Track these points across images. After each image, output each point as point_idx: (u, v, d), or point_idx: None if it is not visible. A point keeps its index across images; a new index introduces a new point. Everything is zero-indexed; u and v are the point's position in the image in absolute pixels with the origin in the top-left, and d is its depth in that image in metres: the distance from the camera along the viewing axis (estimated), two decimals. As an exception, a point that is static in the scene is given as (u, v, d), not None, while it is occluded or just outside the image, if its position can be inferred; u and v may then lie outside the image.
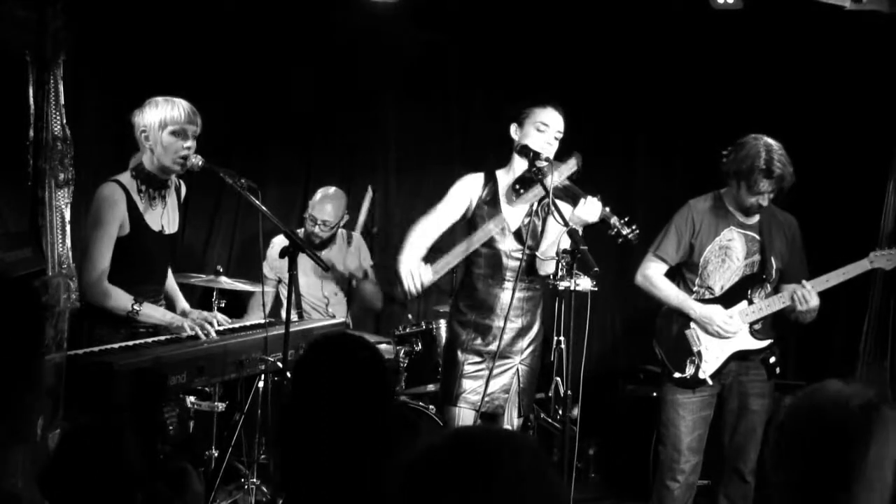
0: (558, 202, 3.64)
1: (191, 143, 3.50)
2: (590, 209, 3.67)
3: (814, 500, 1.76)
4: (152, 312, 3.49)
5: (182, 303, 3.86)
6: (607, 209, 3.69)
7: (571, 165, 3.80)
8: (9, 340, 1.48)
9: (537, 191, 3.76)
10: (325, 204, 5.05)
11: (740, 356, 4.11)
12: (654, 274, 4.14)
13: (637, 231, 3.68)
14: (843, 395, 1.84)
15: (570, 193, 3.72)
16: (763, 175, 3.91)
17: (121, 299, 3.44)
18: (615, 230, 3.64)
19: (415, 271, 3.74)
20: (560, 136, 3.85)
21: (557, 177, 3.71)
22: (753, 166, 3.91)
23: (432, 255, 3.90)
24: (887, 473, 1.80)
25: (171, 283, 3.89)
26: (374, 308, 5.53)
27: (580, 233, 3.57)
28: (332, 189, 5.13)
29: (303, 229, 5.26)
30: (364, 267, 5.24)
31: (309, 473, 2.05)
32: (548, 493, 1.33)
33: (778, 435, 1.84)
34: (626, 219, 3.70)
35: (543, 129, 3.82)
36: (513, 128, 3.88)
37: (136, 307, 3.43)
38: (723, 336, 4.06)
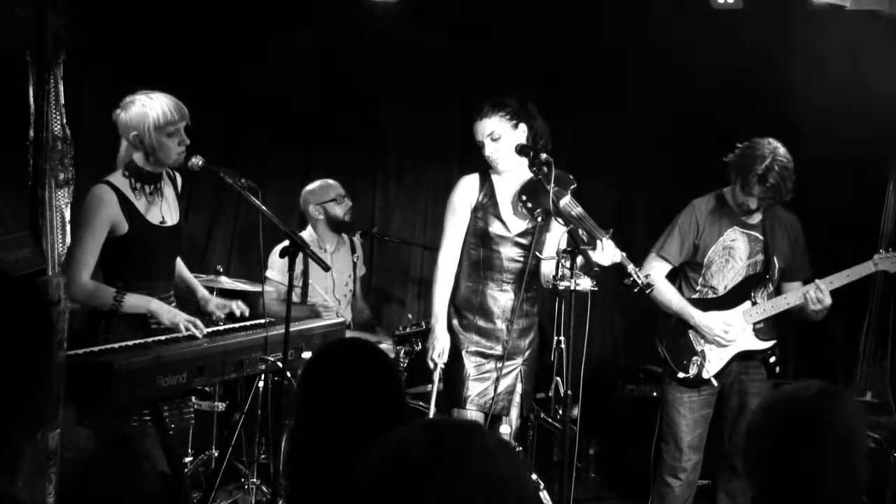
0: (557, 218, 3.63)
1: (184, 135, 3.52)
2: (606, 254, 3.60)
3: (785, 497, 1.74)
4: (136, 301, 3.46)
5: (201, 290, 3.91)
6: (623, 254, 3.63)
7: (570, 182, 3.78)
8: (19, 338, 1.47)
9: (546, 206, 3.70)
10: (330, 188, 5.13)
11: (743, 356, 4.12)
12: (656, 275, 4.13)
13: (653, 286, 3.67)
14: (797, 389, 1.83)
15: (586, 228, 3.65)
16: (757, 180, 3.91)
17: (102, 293, 3.44)
18: (630, 279, 3.60)
19: (440, 349, 3.93)
20: (494, 136, 3.85)
21: (569, 199, 3.70)
22: (752, 167, 3.91)
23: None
24: (858, 463, 1.77)
25: (186, 272, 3.92)
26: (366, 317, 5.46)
27: (580, 233, 3.57)
28: (331, 180, 5.21)
29: (307, 231, 5.21)
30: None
31: (319, 480, 2.03)
32: (519, 479, 1.38)
33: (746, 442, 1.83)
34: (641, 266, 3.71)
35: (482, 144, 3.88)
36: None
37: (118, 297, 3.43)
38: (721, 344, 4.06)
